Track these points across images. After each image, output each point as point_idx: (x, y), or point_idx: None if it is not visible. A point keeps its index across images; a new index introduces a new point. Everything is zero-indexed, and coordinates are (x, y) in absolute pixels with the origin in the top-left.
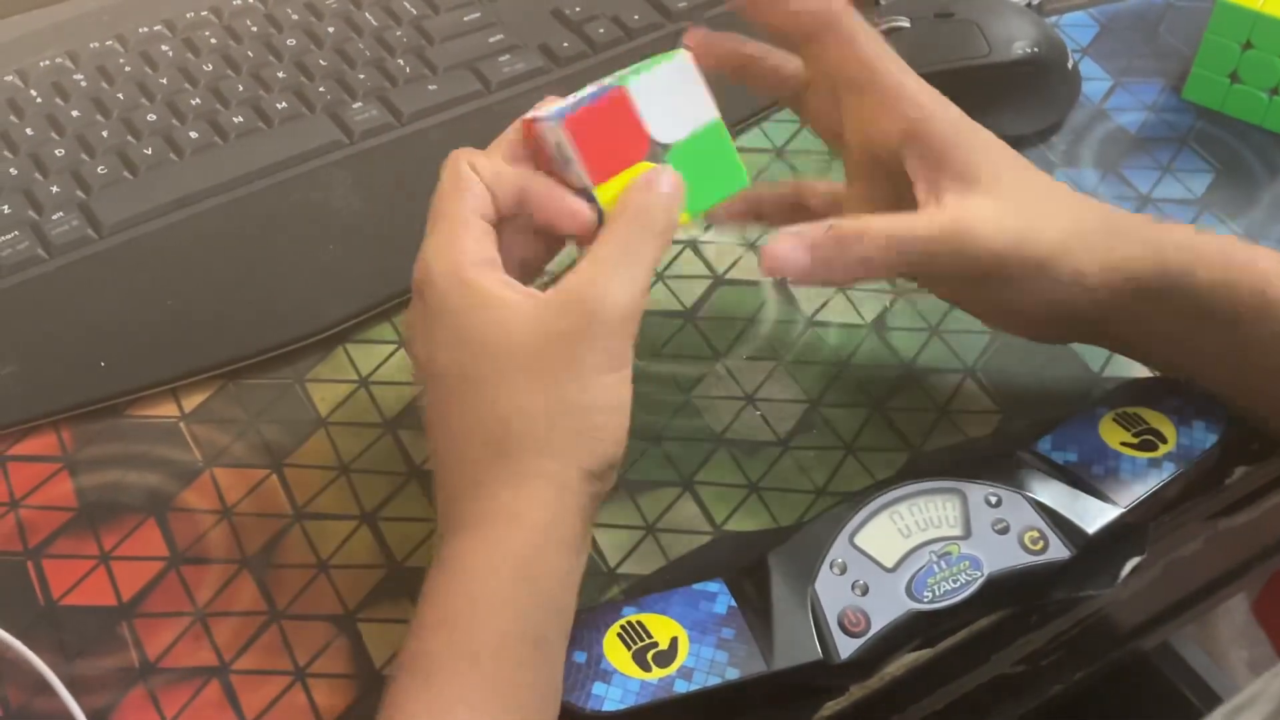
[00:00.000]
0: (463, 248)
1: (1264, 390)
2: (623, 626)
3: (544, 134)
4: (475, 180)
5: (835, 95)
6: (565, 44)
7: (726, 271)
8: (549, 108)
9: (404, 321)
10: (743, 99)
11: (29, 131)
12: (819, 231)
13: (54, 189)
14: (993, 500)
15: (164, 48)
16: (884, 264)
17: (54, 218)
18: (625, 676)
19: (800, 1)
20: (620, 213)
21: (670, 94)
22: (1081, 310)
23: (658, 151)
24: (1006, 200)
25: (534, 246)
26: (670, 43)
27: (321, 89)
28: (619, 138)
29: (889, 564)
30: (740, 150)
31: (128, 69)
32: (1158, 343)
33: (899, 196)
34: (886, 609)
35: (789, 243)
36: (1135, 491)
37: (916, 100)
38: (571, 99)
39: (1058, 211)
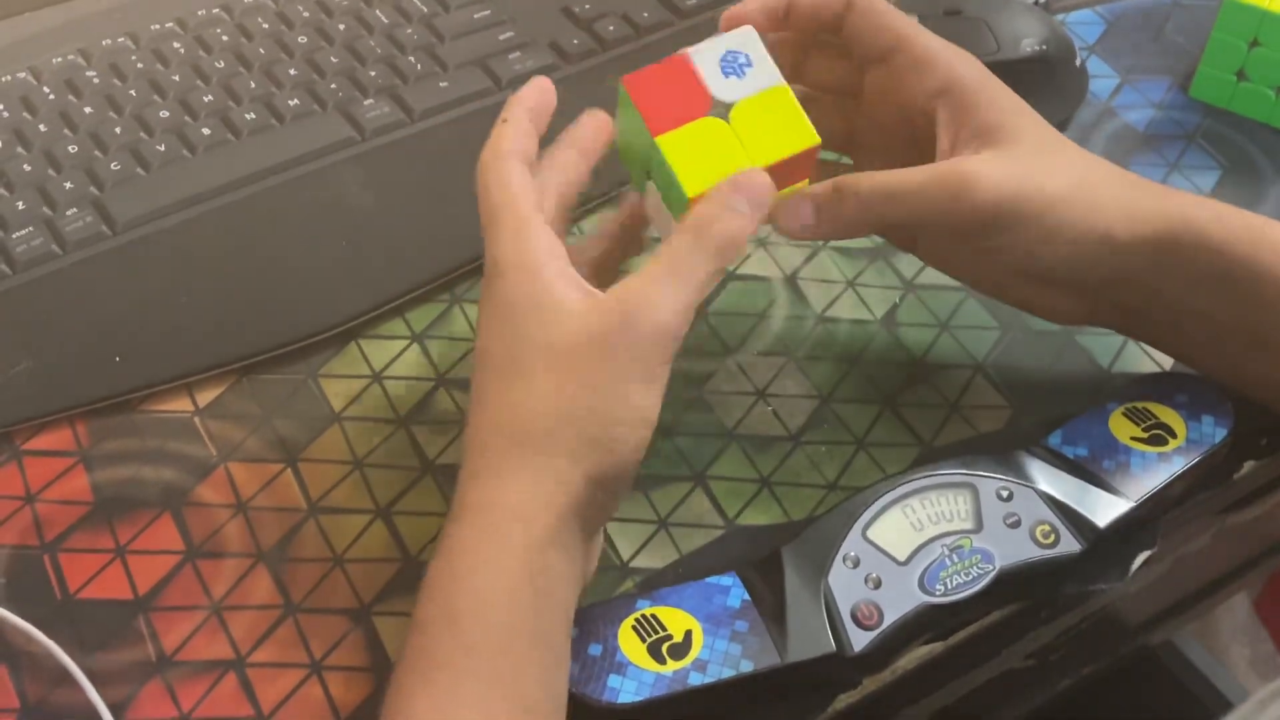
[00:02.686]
0: (532, 244)
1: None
2: (637, 620)
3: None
4: (528, 179)
5: (858, 73)
6: (575, 41)
7: (737, 268)
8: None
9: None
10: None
11: (42, 128)
12: (822, 187)
13: (68, 185)
14: (1004, 494)
15: (176, 45)
16: (884, 212)
17: (68, 214)
18: (640, 669)
19: None
20: (685, 225)
21: (733, 61)
22: (1098, 268)
23: (721, 110)
24: (1017, 152)
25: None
26: (680, 42)
27: (333, 86)
28: (680, 95)
29: (901, 557)
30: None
31: (140, 66)
32: (1174, 313)
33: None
34: (899, 602)
35: (793, 200)
36: (1145, 485)
37: (947, 59)
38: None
39: (1069, 163)
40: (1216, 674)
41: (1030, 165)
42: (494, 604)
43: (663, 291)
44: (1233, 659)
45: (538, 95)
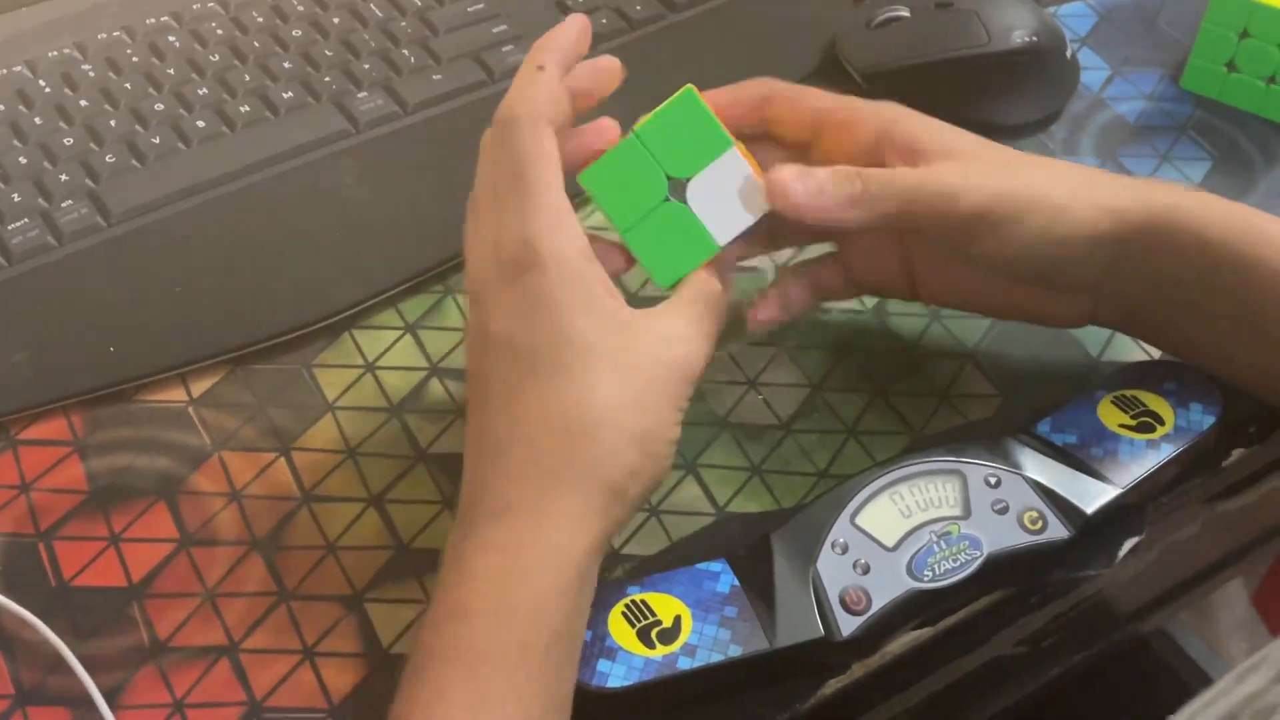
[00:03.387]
0: (572, 234)
1: (1271, 359)
2: (627, 605)
3: None
4: (557, 153)
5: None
6: None
7: None
8: None
9: (471, 286)
10: None
11: (38, 121)
12: (822, 169)
13: (63, 177)
14: (992, 481)
15: (171, 39)
16: (877, 202)
17: (63, 205)
18: (630, 653)
19: (733, 93)
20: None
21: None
22: (1092, 265)
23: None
24: (981, 162)
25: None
26: (675, 36)
27: (327, 79)
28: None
29: (890, 544)
30: None
31: (135, 60)
32: (1169, 304)
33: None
34: (887, 587)
35: (793, 171)
36: (1133, 472)
37: (874, 111)
38: None
39: (1038, 168)
40: (1209, 662)
41: (1001, 173)
42: (550, 606)
43: (697, 334)
44: (1231, 653)
45: (574, 37)
